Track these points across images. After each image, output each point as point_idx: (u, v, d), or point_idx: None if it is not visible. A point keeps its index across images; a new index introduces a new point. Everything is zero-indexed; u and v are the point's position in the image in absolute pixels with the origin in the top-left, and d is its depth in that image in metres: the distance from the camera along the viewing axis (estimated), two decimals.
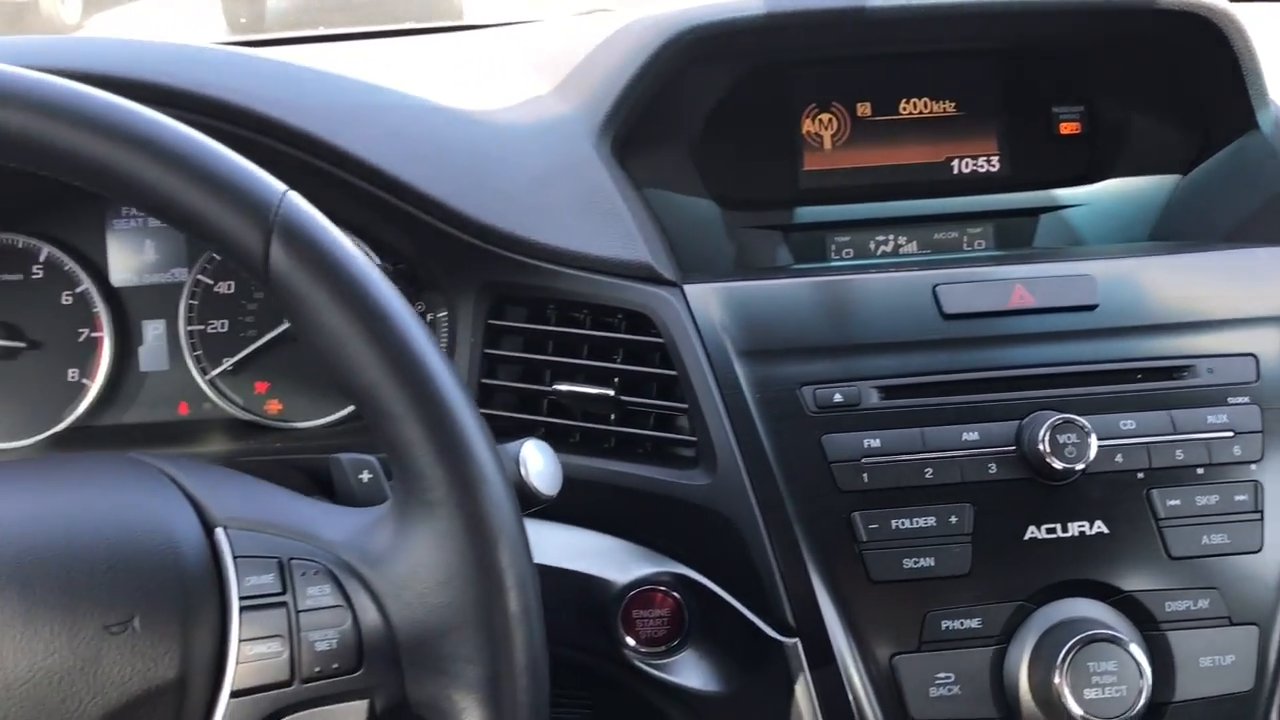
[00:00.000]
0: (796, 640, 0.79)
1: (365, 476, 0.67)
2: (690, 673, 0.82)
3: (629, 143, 0.97)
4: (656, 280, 0.86)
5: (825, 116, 1.09)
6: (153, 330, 1.01)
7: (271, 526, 0.59)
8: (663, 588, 0.83)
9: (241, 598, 0.56)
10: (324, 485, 0.77)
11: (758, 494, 0.80)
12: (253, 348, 1.00)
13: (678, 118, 1.03)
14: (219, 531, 0.59)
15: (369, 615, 0.56)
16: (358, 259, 0.56)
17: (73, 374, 0.99)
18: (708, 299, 0.85)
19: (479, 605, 0.55)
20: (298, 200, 0.56)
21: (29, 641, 0.54)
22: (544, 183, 0.89)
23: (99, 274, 1.00)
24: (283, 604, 0.56)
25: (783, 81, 1.07)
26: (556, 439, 0.85)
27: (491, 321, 0.89)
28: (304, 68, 0.91)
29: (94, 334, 0.99)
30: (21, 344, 0.98)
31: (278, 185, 0.56)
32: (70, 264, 0.99)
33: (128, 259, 1.01)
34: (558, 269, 0.86)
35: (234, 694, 0.56)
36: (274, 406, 1.01)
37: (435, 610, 0.56)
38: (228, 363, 1.00)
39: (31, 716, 0.53)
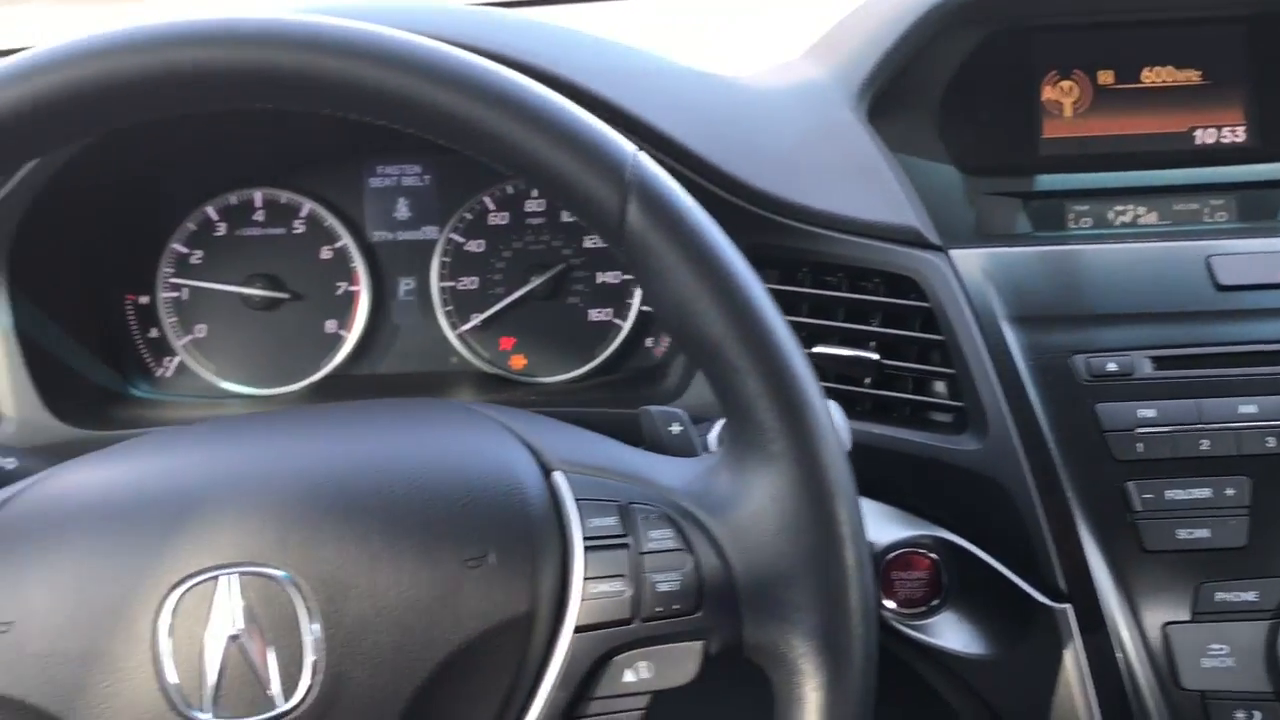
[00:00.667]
0: (1067, 606, 0.80)
1: (676, 428, 0.69)
2: (950, 635, 0.83)
3: (876, 107, 0.97)
4: (922, 245, 0.86)
5: (1066, 84, 1.07)
6: (405, 285, 1.05)
7: (606, 471, 0.61)
8: (921, 550, 0.83)
9: (586, 538, 0.59)
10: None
11: (1030, 460, 0.80)
12: (501, 304, 1.03)
13: (923, 82, 1.03)
14: (556, 475, 0.61)
15: (709, 560, 0.58)
16: (707, 219, 0.58)
17: (331, 325, 1.04)
18: (975, 264, 0.85)
19: (818, 555, 0.57)
20: (648, 161, 0.58)
21: (395, 572, 0.57)
22: (807, 146, 0.90)
23: (357, 230, 1.04)
24: (625, 545, 0.59)
25: (1025, 47, 1.06)
26: None
27: None
28: (575, 31, 0.93)
29: (351, 288, 1.04)
30: (284, 295, 1.03)
31: (629, 146, 0.58)
32: (330, 220, 1.03)
33: (383, 216, 1.05)
34: (820, 231, 0.87)
35: (577, 629, 0.58)
36: (519, 361, 1.04)
37: (775, 558, 0.58)
38: (477, 318, 1.04)
39: (398, 643, 0.57)
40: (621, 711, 0.59)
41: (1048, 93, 1.07)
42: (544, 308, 1.04)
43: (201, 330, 1.04)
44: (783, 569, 0.57)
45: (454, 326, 1.04)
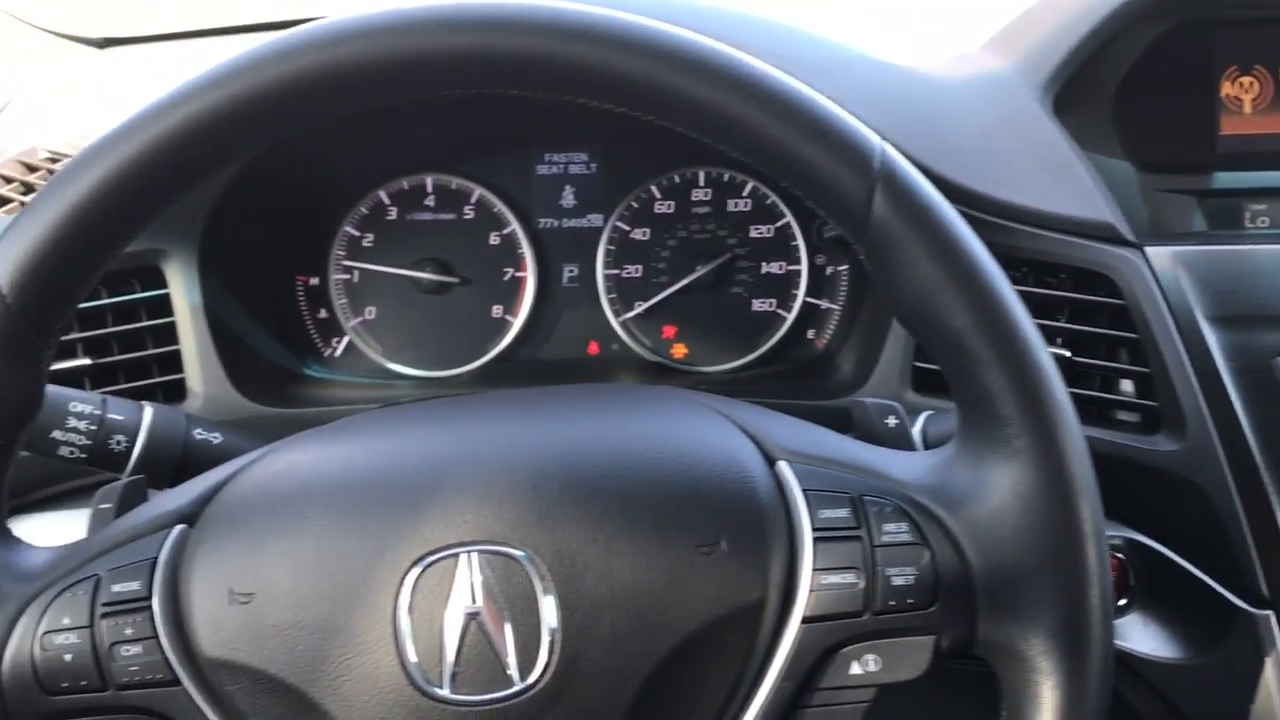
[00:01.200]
0: (1269, 612, 0.78)
1: (892, 421, 0.69)
2: (1137, 637, 0.82)
3: (1058, 102, 0.95)
4: (1117, 240, 0.85)
5: (1246, 80, 1.04)
6: (569, 272, 1.06)
7: (833, 463, 0.61)
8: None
9: (815, 529, 0.59)
10: None
11: (1231, 463, 0.79)
12: (665, 293, 1.03)
13: (1101, 77, 1.01)
14: (781, 464, 0.61)
15: (946, 555, 0.58)
16: (952, 212, 0.57)
17: (497, 310, 1.05)
18: (1171, 261, 0.83)
19: (1061, 552, 0.56)
20: (894, 154, 0.57)
21: (631, 555, 0.58)
22: (994, 139, 0.89)
23: (524, 216, 1.05)
24: (857, 538, 0.58)
25: (1206, 42, 1.03)
26: None
27: None
28: (767, 18, 0.93)
29: (518, 273, 1.05)
30: (453, 279, 1.04)
31: (875, 138, 0.57)
32: (499, 205, 1.04)
33: (550, 203, 1.05)
34: (1010, 225, 0.86)
35: (805, 620, 0.58)
36: (680, 350, 1.05)
37: (1015, 554, 0.57)
38: (640, 306, 1.04)
39: (633, 626, 0.57)
40: (846, 704, 0.59)
41: (1226, 89, 1.04)
42: (707, 297, 1.04)
43: (371, 312, 1.05)
44: (1024, 566, 0.57)
45: (617, 314, 1.04)
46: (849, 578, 0.58)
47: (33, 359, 0.60)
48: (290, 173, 0.99)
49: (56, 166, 0.98)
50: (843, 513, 0.59)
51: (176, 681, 0.59)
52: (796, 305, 1.04)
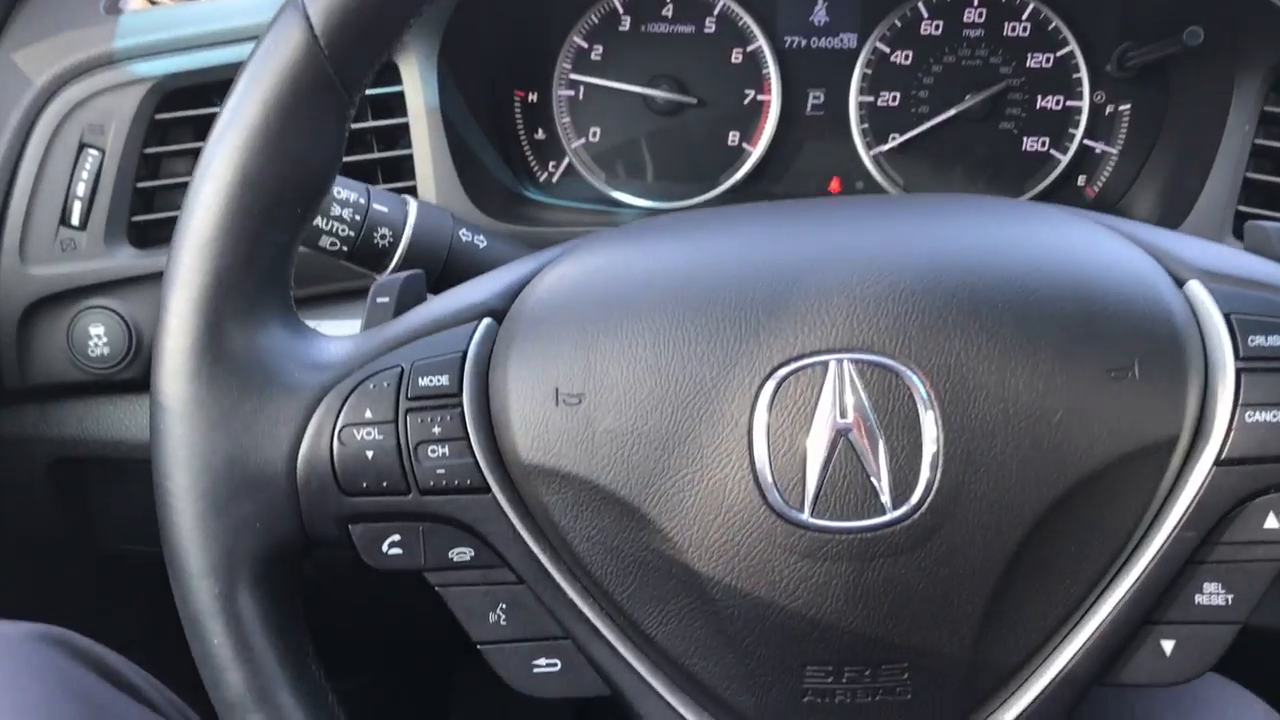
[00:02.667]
0: None
1: None
2: None
3: None
4: None
5: None
6: (814, 98, 0.96)
7: (1257, 284, 0.52)
8: None
9: (1241, 358, 0.50)
10: None
11: None
12: (927, 125, 0.93)
13: None
14: (1193, 285, 0.52)
15: None
16: None
17: (733, 137, 0.96)
18: None
19: None
20: None
21: (1030, 376, 0.49)
22: None
23: (771, 33, 0.95)
24: None
25: None
26: None
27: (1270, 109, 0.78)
28: None
29: (760, 96, 0.95)
30: (689, 100, 0.95)
31: None
32: (745, 19, 0.94)
33: (799, 20, 0.95)
34: None
35: (1220, 462, 0.50)
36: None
37: None
38: (896, 139, 0.94)
39: (1027, 457, 0.49)
40: (1255, 561, 0.51)
41: None
42: (973, 132, 0.94)
43: (595, 134, 0.97)
44: None
45: (869, 147, 0.95)
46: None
47: (340, 113, 0.53)
48: None
49: None
50: (1277, 340, 0.50)
51: (486, 488, 0.52)
52: (1073, 146, 0.93)
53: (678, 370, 0.51)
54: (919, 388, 0.49)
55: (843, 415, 0.49)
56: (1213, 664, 0.52)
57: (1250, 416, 0.50)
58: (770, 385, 0.50)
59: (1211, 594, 0.51)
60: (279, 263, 0.53)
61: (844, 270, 0.51)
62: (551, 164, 0.98)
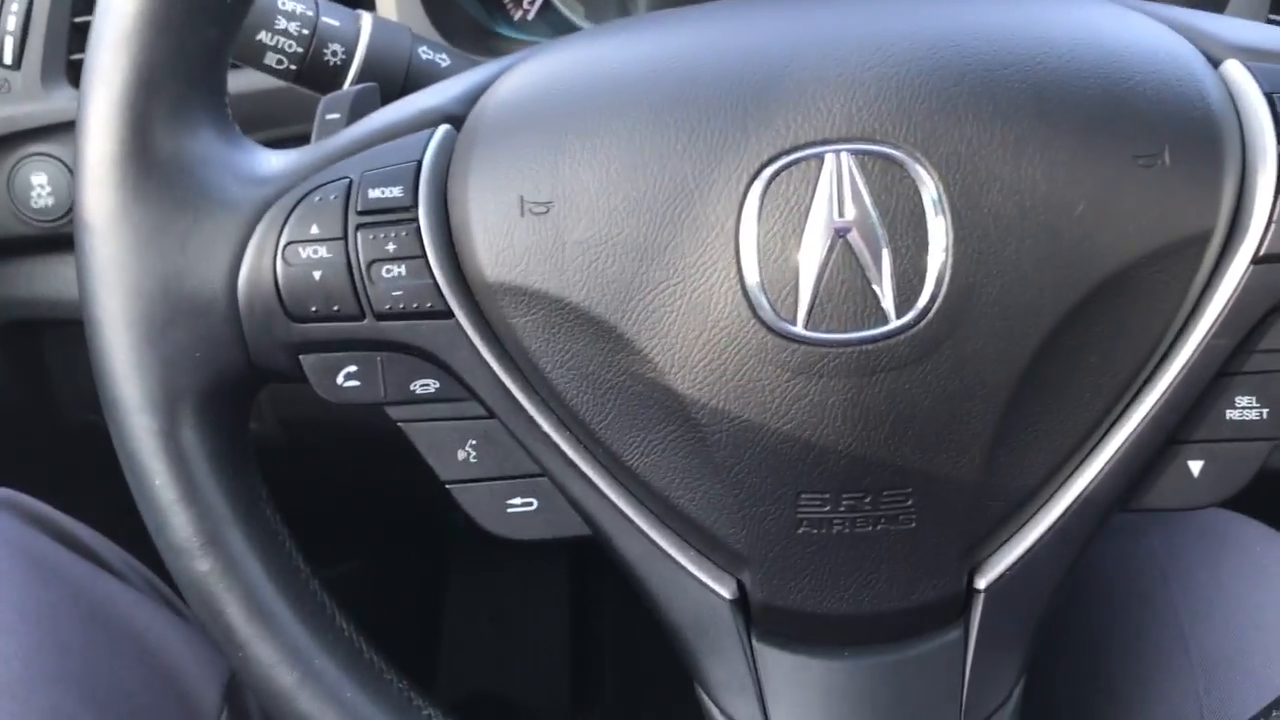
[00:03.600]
0: None
1: None
2: None
3: None
4: None
5: None
6: None
7: None
8: None
9: None
10: None
11: None
12: None
13: None
14: (1230, 65, 0.47)
15: None
16: None
17: None
18: None
19: None
20: None
21: (1048, 165, 0.44)
22: None
23: None
24: None
25: None
26: None
27: None
28: None
29: None
30: None
31: None
32: None
33: None
34: None
35: (1258, 259, 0.45)
36: None
37: None
38: None
39: (1046, 255, 0.44)
40: None
41: None
42: None
43: None
44: None
45: None
46: None
47: None
48: None
49: None
50: None
51: (448, 312, 0.47)
52: None
53: (655, 171, 0.45)
54: (925, 180, 0.44)
55: (840, 214, 0.44)
56: (1243, 485, 0.48)
57: None
58: (759, 183, 0.44)
59: (1244, 408, 0.47)
60: (211, 62, 0.48)
61: (839, 52, 0.46)
62: (528, 2, 0.91)
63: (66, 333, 0.88)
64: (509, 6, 0.91)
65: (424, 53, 0.65)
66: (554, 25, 0.90)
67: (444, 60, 0.66)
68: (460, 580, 1.49)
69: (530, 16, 0.91)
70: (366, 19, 0.63)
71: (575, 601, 1.47)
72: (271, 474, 0.51)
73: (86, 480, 0.98)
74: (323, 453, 1.01)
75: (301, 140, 0.78)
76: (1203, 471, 0.47)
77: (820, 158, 0.44)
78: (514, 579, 1.46)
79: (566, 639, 1.46)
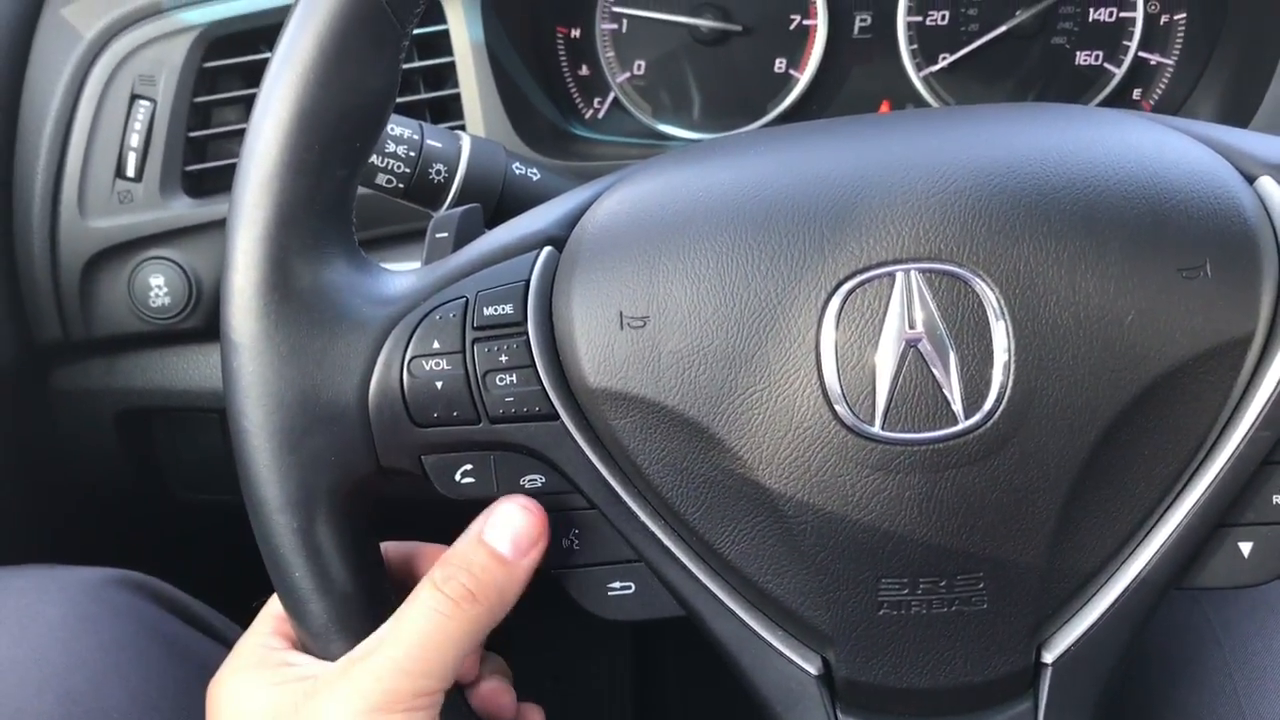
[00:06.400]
0: None
1: None
2: None
3: None
4: None
5: None
6: (861, 20, 0.94)
7: None
8: None
9: None
10: None
11: None
12: (978, 43, 0.92)
13: None
14: (1265, 180, 0.52)
15: None
16: None
17: (780, 64, 0.95)
18: None
19: None
20: None
21: (1100, 279, 0.49)
22: None
23: None
24: None
25: None
26: None
27: None
28: None
29: (806, 21, 0.94)
30: (734, 28, 0.94)
31: None
32: None
33: None
34: None
35: None
36: None
37: None
38: (946, 59, 0.93)
39: (1100, 359, 0.49)
40: None
41: None
42: (1024, 48, 0.92)
43: (639, 67, 0.96)
44: None
45: (919, 68, 0.93)
46: None
47: (393, 44, 0.52)
48: None
49: None
50: None
51: (555, 415, 0.52)
52: (1128, 59, 0.91)
53: (741, 288, 0.50)
54: (988, 294, 0.49)
55: (911, 326, 0.49)
56: None
57: None
58: (837, 299, 0.49)
59: None
60: (340, 198, 0.53)
61: (907, 179, 0.51)
62: (597, 100, 0.97)
63: (174, 419, 0.94)
64: (581, 108, 0.97)
65: (517, 168, 0.70)
66: (622, 123, 0.97)
67: (535, 174, 0.71)
68: (522, 643, 1.52)
69: (601, 115, 0.97)
70: (466, 140, 0.70)
71: (638, 655, 1.50)
72: None
73: (195, 553, 1.05)
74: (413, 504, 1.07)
75: (395, 240, 0.85)
76: (1252, 552, 0.51)
77: (891, 275, 0.49)
78: (576, 638, 1.49)
79: (629, 692, 1.49)
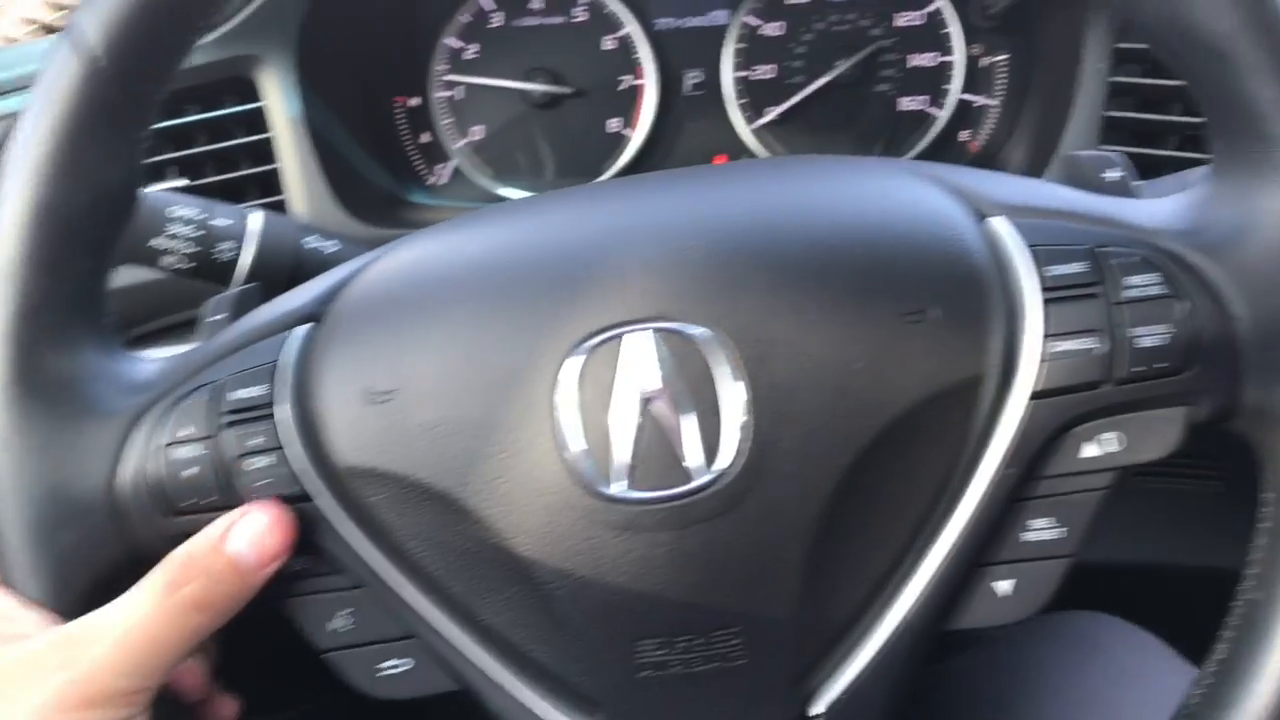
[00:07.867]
0: None
1: (1112, 174, 0.58)
2: None
3: None
4: None
5: None
6: (692, 78, 0.96)
7: (1059, 214, 0.52)
8: None
9: (1046, 289, 0.50)
10: None
11: None
12: (803, 94, 0.93)
13: None
14: (994, 220, 0.52)
15: (1204, 308, 0.49)
16: None
17: (614, 124, 0.96)
18: None
19: None
20: None
21: (828, 329, 0.49)
22: None
23: (641, 16, 0.94)
24: (1095, 295, 0.49)
25: None
26: None
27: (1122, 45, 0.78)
28: None
29: (636, 81, 0.95)
30: (566, 90, 0.95)
31: None
32: (612, 5, 0.94)
33: (669, 1, 0.95)
34: None
35: (1034, 395, 0.49)
36: None
37: None
38: (773, 112, 0.94)
39: (833, 407, 0.49)
40: (1080, 492, 0.51)
41: None
42: (849, 97, 0.93)
43: (478, 132, 0.97)
44: None
45: (749, 121, 0.94)
46: (1087, 342, 0.49)
47: (130, 136, 0.52)
48: None
49: None
50: (1077, 267, 0.50)
51: (307, 496, 0.52)
52: (950, 102, 0.93)
53: (484, 355, 0.50)
54: (719, 350, 0.49)
55: (645, 386, 0.49)
56: (1047, 600, 0.52)
57: (1056, 347, 0.49)
58: (571, 363, 0.49)
59: (1041, 529, 0.51)
60: (87, 287, 0.53)
61: (642, 240, 0.51)
62: (439, 167, 0.98)
63: None
64: (423, 175, 0.98)
65: (310, 242, 0.71)
66: (466, 188, 0.97)
67: (330, 246, 0.72)
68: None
69: (444, 181, 0.98)
70: (256, 217, 0.70)
71: None
72: None
73: None
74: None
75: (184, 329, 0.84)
76: (1008, 590, 0.51)
77: (619, 337, 0.49)
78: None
79: None
